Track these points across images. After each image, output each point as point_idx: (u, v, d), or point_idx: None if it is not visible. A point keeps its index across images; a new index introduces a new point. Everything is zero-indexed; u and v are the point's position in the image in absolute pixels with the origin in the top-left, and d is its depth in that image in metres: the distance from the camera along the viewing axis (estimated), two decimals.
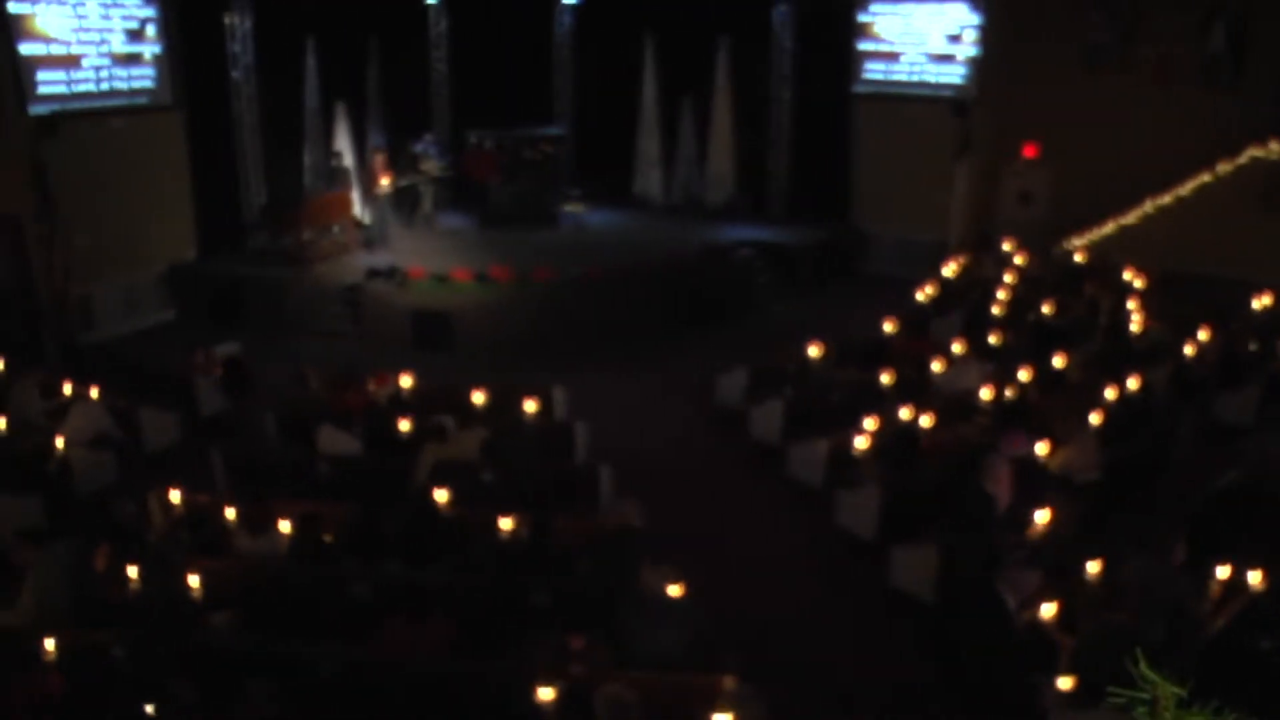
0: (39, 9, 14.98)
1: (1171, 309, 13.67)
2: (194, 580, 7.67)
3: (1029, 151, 18.32)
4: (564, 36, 21.41)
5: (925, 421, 10.32)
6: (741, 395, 12.50)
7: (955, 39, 18.25)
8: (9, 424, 11.05)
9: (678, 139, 20.89)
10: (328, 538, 8.45)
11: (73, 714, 6.36)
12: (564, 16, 21.31)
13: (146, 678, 6.45)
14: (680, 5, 19.34)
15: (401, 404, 11.37)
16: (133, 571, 7.76)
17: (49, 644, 6.75)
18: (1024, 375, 11.32)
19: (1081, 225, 17.32)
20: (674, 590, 7.15)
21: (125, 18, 16.25)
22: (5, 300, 15.03)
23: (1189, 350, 12.20)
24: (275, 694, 6.29)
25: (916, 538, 8.79)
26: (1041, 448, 9.38)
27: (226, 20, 17.70)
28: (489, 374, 12.70)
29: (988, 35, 17.87)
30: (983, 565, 7.94)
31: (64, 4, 15.29)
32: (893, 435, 10.21)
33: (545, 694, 6.17)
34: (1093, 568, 7.54)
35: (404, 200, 19.11)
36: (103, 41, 15.95)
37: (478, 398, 11.12)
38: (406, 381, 11.79)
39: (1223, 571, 7.28)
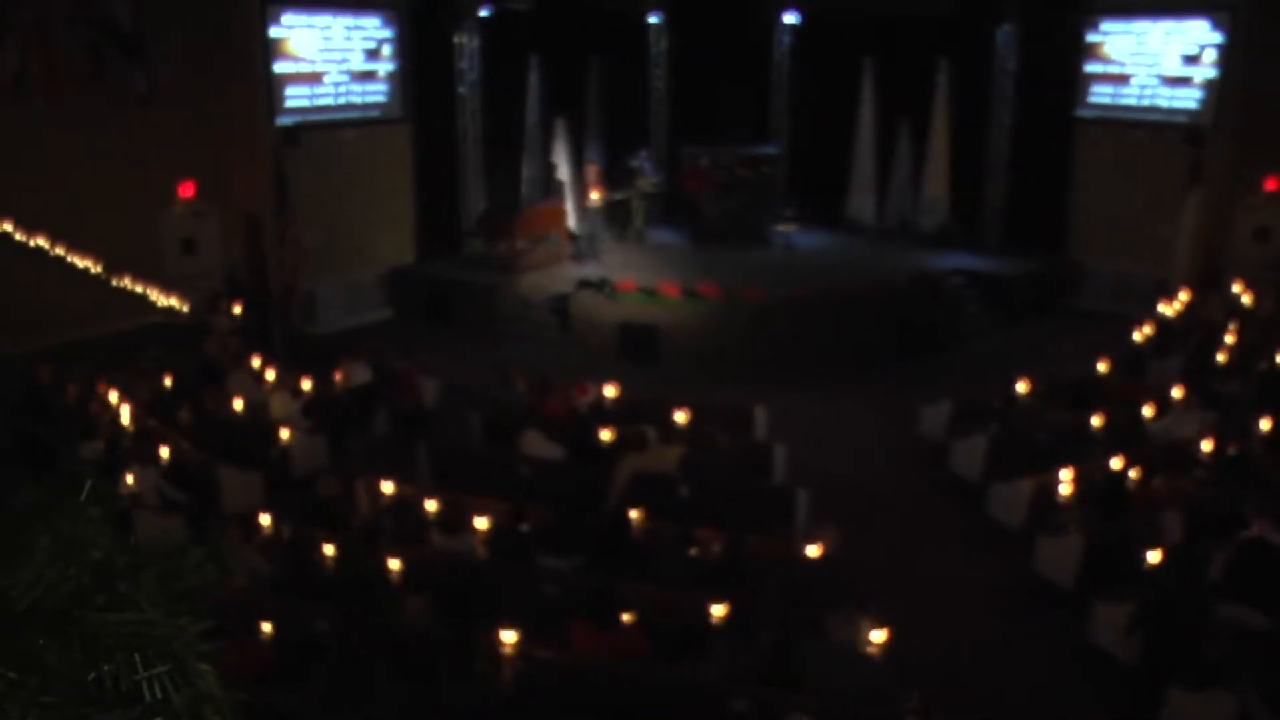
0: (293, 33, 16.34)
1: None
2: (394, 564, 8.02)
3: (1271, 184, 17.05)
4: (783, 56, 21.36)
5: (1136, 470, 9.85)
6: (945, 428, 12.10)
7: (1192, 60, 17.10)
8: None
9: (893, 162, 20.50)
10: (523, 537, 8.72)
11: (278, 681, 6.73)
12: (783, 36, 21.28)
13: (347, 652, 6.82)
14: (900, 26, 19.02)
15: (603, 413, 11.57)
16: (333, 550, 8.22)
17: (260, 614, 7.17)
18: (1252, 429, 10.55)
19: None
20: (875, 636, 7.09)
21: (365, 39, 17.45)
22: (242, 291, 16.26)
23: None
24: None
25: (1121, 593, 8.47)
26: None
27: (456, 40, 18.53)
28: (692, 389, 12.82)
29: (1230, 55, 16.65)
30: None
31: (314, 28, 16.61)
32: (1101, 482, 9.86)
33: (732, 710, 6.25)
34: None
35: (617, 214, 19.52)
36: (343, 60, 17.16)
37: (679, 415, 11.25)
38: (610, 391, 11.99)
39: None
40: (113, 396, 11.83)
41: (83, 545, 1.53)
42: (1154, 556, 8.26)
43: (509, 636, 6.86)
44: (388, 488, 9.47)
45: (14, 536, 1.51)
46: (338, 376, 12.69)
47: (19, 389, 11.67)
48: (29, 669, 1.42)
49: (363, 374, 12.85)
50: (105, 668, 1.44)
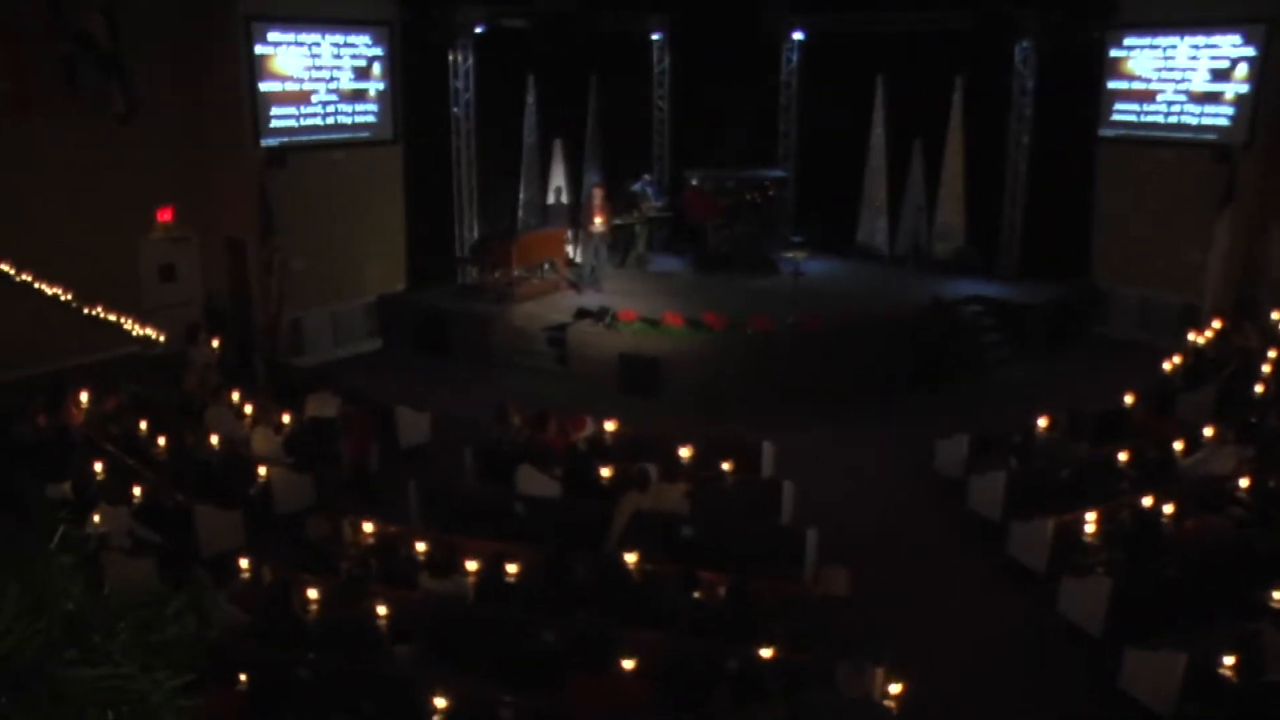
0: (279, 50, 16.46)
1: None
2: (381, 609, 7.97)
3: None
4: (790, 75, 21.49)
5: (1168, 508, 9.77)
6: (962, 464, 12.10)
7: (1222, 75, 17.13)
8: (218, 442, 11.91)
9: (906, 185, 20.46)
10: (514, 580, 8.65)
11: None
12: (791, 54, 21.41)
13: (328, 699, 6.79)
14: (913, 43, 19.10)
15: (603, 448, 11.54)
16: (318, 594, 8.19)
17: (237, 663, 7.11)
18: None
19: None
20: (891, 689, 7.00)
21: (354, 57, 17.56)
22: (223, 320, 16.24)
23: None
24: None
25: (1154, 639, 8.37)
26: None
27: (450, 58, 18.56)
28: (696, 423, 12.82)
29: (1263, 70, 16.64)
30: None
31: (301, 45, 16.73)
32: (1130, 521, 9.79)
33: None
34: None
35: (618, 241, 19.56)
36: (332, 79, 17.28)
37: (683, 451, 11.19)
38: (609, 426, 11.96)
39: None
40: (82, 398, 12.01)
41: (54, 596, 1.51)
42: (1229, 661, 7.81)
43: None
44: (370, 528, 9.43)
45: None
46: (306, 409, 12.68)
47: None
48: None
49: (329, 407, 12.82)
50: None
